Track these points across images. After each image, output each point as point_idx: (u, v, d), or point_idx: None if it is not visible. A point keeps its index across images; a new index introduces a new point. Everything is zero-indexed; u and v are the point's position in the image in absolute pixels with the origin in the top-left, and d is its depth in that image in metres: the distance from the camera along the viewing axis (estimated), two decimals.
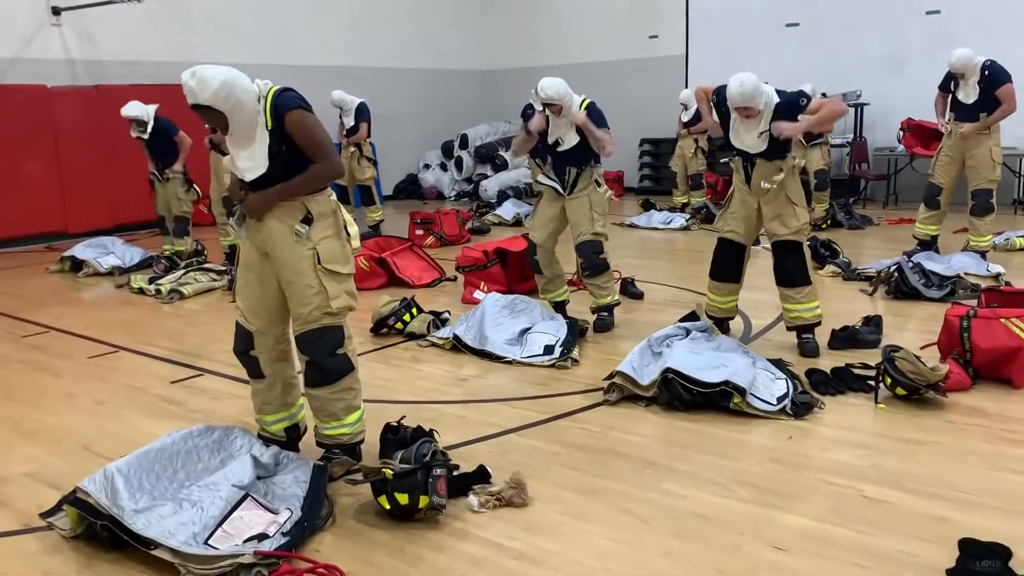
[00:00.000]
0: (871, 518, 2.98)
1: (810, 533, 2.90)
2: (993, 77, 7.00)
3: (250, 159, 3.25)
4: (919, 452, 3.56)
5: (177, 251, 8.36)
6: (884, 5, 11.83)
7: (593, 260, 5.50)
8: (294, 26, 13.01)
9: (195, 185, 8.33)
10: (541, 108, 5.36)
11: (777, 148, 4.74)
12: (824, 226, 9.61)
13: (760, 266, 6.09)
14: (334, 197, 3.39)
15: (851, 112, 11.69)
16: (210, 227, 9.19)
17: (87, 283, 8.13)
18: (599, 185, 5.50)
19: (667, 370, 4.04)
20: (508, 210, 11.41)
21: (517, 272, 7.05)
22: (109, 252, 8.54)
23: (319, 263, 3.30)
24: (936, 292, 6.07)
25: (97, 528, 2.90)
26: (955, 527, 2.89)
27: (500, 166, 14.63)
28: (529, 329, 5.24)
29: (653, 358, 4.26)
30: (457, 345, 5.29)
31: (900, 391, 4.06)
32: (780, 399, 4.00)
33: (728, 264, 5.11)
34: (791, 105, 4.71)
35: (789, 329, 5.03)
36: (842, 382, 4.32)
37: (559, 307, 5.82)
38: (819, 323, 4.95)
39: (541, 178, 5.57)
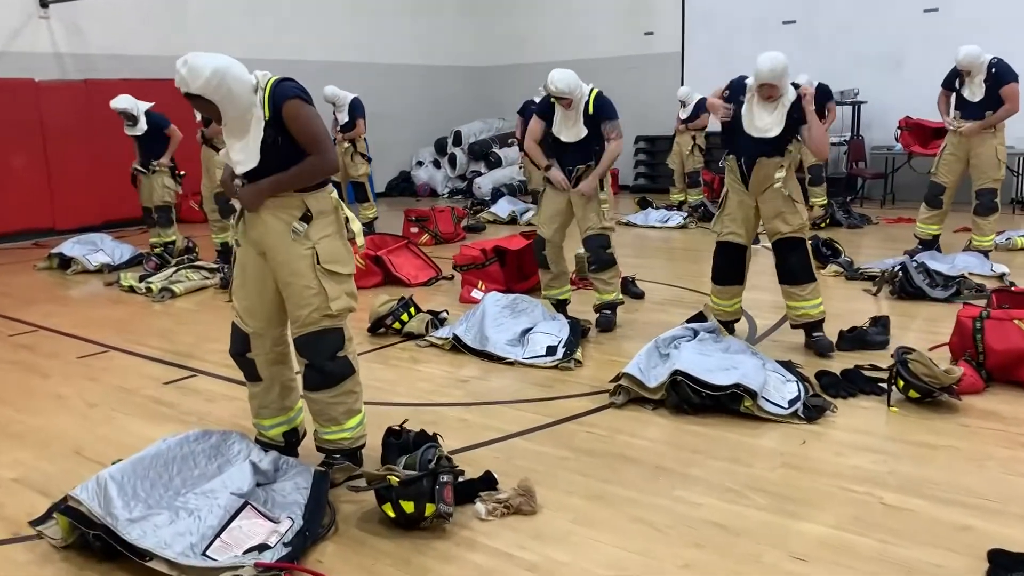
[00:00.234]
0: (892, 526, 2.89)
1: (830, 542, 2.80)
2: (999, 75, 6.92)
3: (244, 151, 3.13)
4: (936, 457, 3.47)
5: (166, 242, 8.25)
6: (882, 3, 11.76)
7: (600, 254, 5.41)
8: (287, 21, 12.85)
9: (179, 173, 8.16)
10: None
11: (778, 138, 4.64)
12: (823, 225, 9.54)
13: (759, 265, 6.00)
14: (335, 194, 3.27)
15: (848, 110, 11.64)
16: (201, 224, 9.03)
17: (75, 281, 7.97)
18: (602, 189, 5.41)
19: (676, 372, 3.94)
20: (503, 207, 11.29)
21: (515, 271, 6.95)
22: (98, 249, 8.38)
23: (318, 263, 3.18)
24: (941, 292, 6.00)
25: (90, 538, 2.77)
26: (979, 536, 2.80)
27: (494, 163, 14.51)
28: (531, 329, 5.14)
29: (660, 360, 4.16)
30: (457, 345, 5.18)
31: (913, 394, 3.97)
32: (791, 402, 3.90)
33: (729, 267, 5.01)
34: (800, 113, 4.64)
35: (795, 327, 4.95)
36: (853, 384, 4.23)
37: (560, 306, 5.72)
38: (824, 319, 4.86)
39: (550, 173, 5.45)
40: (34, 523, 3.04)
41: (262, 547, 2.72)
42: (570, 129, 5.31)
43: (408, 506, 2.90)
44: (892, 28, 11.68)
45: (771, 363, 4.24)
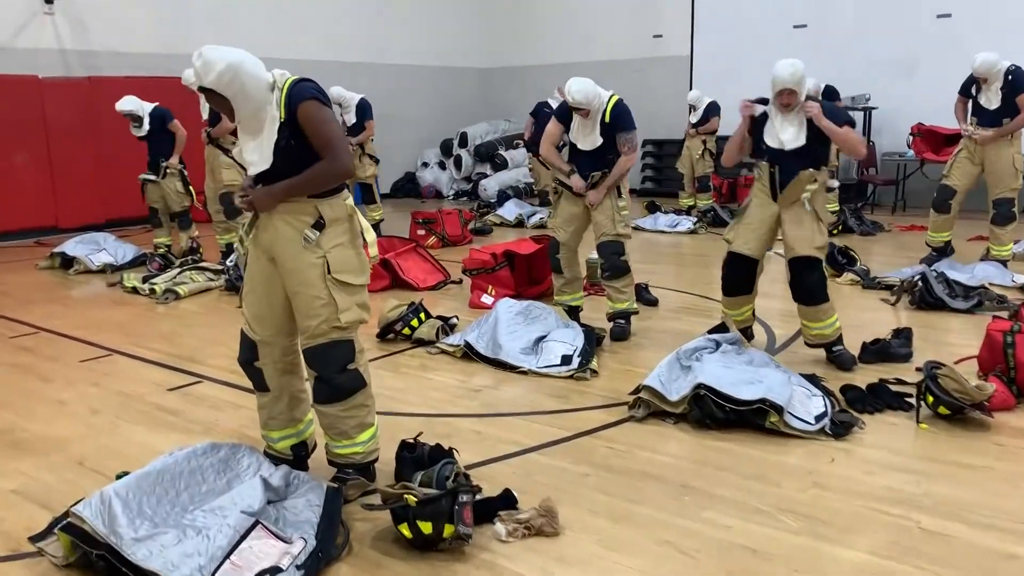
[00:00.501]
0: (933, 553, 2.76)
1: (869, 570, 2.68)
2: (1016, 83, 6.80)
3: (257, 151, 3.01)
4: (971, 478, 3.34)
5: (167, 244, 8.28)
6: (894, 8, 11.64)
7: (614, 261, 5.29)
8: (293, 20, 12.73)
9: (191, 187, 8.11)
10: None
11: (814, 149, 4.52)
12: (835, 232, 9.40)
13: (773, 272, 5.86)
14: (351, 201, 3.14)
15: (859, 116, 11.51)
16: (204, 224, 8.91)
17: (78, 281, 7.85)
18: (619, 195, 5.29)
19: (699, 386, 3.81)
20: (510, 210, 11.17)
21: (525, 275, 6.83)
22: (101, 249, 8.25)
23: (328, 272, 3.05)
24: (962, 303, 5.87)
25: (92, 558, 2.65)
26: None
27: (500, 165, 14.39)
28: (544, 337, 5.01)
29: (682, 372, 4.03)
30: (468, 353, 5.05)
31: (943, 410, 3.84)
32: (818, 418, 3.77)
33: (740, 278, 4.87)
34: (833, 114, 4.52)
35: (811, 347, 4.81)
36: (879, 399, 4.10)
37: (572, 313, 5.60)
38: (840, 336, 4.73)
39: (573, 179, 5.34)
40: (34, 539, 2.90)
41: (274, 570, 2.59)
42: (587, 137, 5.21)
43: (426, 527, 2.77)
44: (904, 33, 11.56)
45: (795, 377, 4.11)
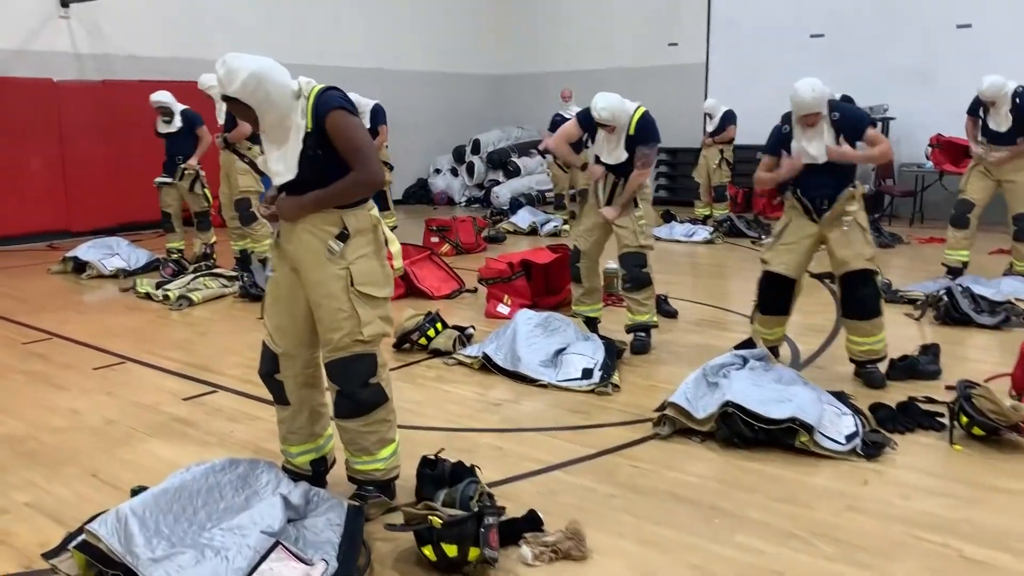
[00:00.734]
0: None
1: None
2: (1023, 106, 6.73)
3: (281, 161, 2.94)
4: (1012, 503, 3.24)
5: (179, 249, 8.30)
6: (914, 18, 11.53)
7: (636, 273, 5.21)
8: (306, 26, 12.70)
9: (206, 189, 8.09)
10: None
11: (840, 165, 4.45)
12: None
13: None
14: (375, 211, 3.07)
15: (877, 126, 11.39)
16: (218, 229, 8.86)
17: (90, 286, 7.79)
18: (636, 206, 5.21)
19: (727, 403, 3.71)
20: (524, 218, 11.08)
21: (542, 285, 6.75)
22: (114, 253, 8.19)
23: (352, 285, 2.97)
24: (988, 319, 5.76)
25: None
26: None
27: (512, 172, 14.31)
28: (564, 350, 4.92)
29: (709, 389, 3.94)
30: (487, 364, 4.97)
31: (977, 431, 3.74)
32: (849, 437, 3.67)
33: (778, 298, 4.78)
34: (855, 126, 4.46)
35: (854, 362, 4.71)
36: (910, 418, 4.00)
37: (590, 324, 5.51)
38: (886, 355, 4.63)
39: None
40: (47, 555, 2.83)
41: None
42: (611, 152, 5.14)
43: (451, 549, 2.68)
44: (923, 43, 11.45)
45: (825, 395, 4.01)
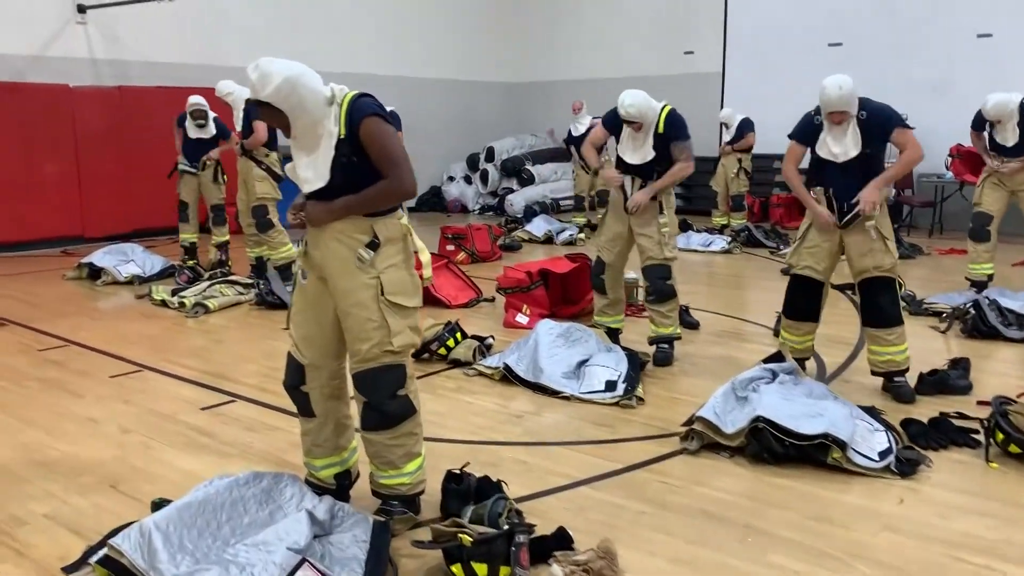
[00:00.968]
0: None
1: None
2: None
3: (312, 168, 2.88)
4: None
5: (192, 241, 8.40)
6: (933, 27, 11.45)
7: (660, 286, 5.13)
8: (322, 33, 12.68)
9: (224, 175, 8.31)
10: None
11: (868, 158, 4.38)
12: None
13: None
14: (405, 220, 3.01)
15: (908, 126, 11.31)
16: (235, 236, 8.83)
17: (105, 292, 7.76)
18: (661, 212, 5.14)
19: (757, 418, 3.63)
20: (539, 226, 11.02)
21: (560, 295, 6.68)
22: (129, 260, 8.16)
23: (382, 294, 2.92)
24: (1016, 332, 5.67)
25: None
26: None
27: (526, 180, 14.26)
28: (586, 361, 4.85)
29: (738, 403, 3.86)
30: (507, 375, 4.90)
31: (1014, 448, 3.65)
32: (882, 454, 3.58)
33: (805, 302, 4.70)
34: (882, 125, 4.39)
35: (876, 375, 4.62)
36: (943, 434, 3.91)
37: (612, 335, 5.45)
38: (908, 367, 4.54)
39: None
40: (68, 570, 2.78)
41: None
42: (637, 151, 5.07)
43: (481, 569, 2.62)
44: (943, 52, 11.36)
45: (856, 410, 3.92)
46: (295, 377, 3.12)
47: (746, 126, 10.42)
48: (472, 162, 14.79)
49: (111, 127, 10.39)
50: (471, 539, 2.62)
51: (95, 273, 8.06)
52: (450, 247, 9.12)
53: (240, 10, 11.73)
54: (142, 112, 10.42)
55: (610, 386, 4.58)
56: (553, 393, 4.66)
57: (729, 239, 10.09)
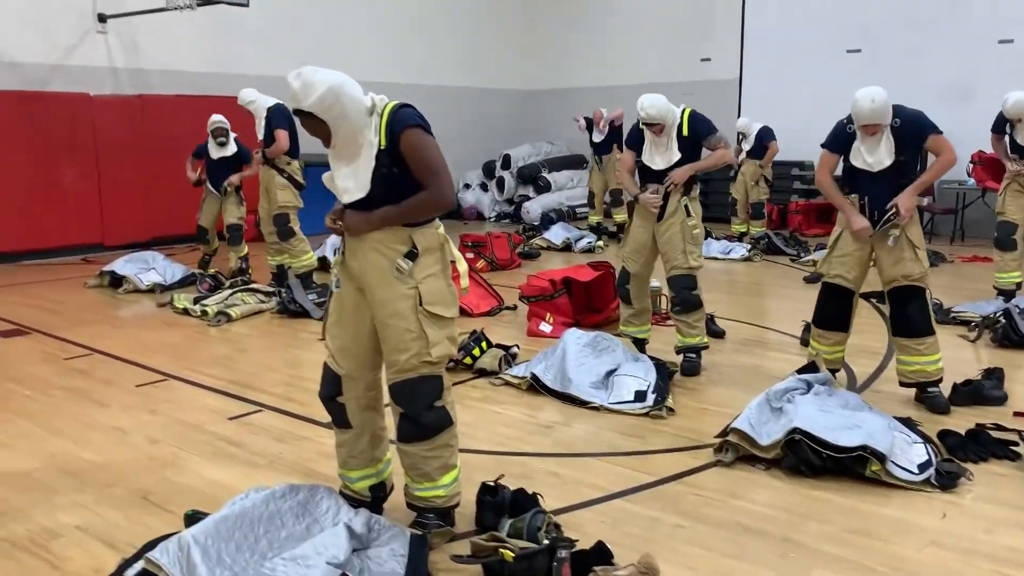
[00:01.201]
0: None
1: None
2: None
3: (352, 178, 2.86)
4: None
5: (210, 253, 8.52)
6: (954, 33, 11.38)
7: (686, 296, 5.09)
8: (339, 41, 12.70)
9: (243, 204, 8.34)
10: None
11: (903, 166, 4.34)
12: None
13: None
14: (442, 230, 2.99)
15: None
16: (256, 243, 8.85)
17: (127, 300, 7.77)
18: (688, 215, 5.10)
19: (794, 430, 3.58)
20: (557, 234, 11.00)
21: (583, 303, 6.64)
22: (150, 268, 8.17)
23: (420, 304, 2.89)
24: None
25: None
26: None
27: (543, 188, 14.24)
28: (615, 371, 4.81)
29: (773, 415, 3.81)
30: (534, 385, 4.86)
31: None
32: (922, 467, 3.53)
33: (835, 311, 4.66)
34: (917, 133, 4.35)
35: (905, 385, 4.57)
36: (982, 447, 3.85)
37: (639, 345, 5.40)
38: (941, 378, 4.48)
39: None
40: None
41: None
42: (662, 155, 5.04)
43: None
44: (963, 58, 11.29)
45: (893, 422, 3.87)
46: (331, 388, 3.09)
47: (766, 135, 10.33)
48: (488, 169, 14.78)
49: (131, 135, 10.43)
50: (513, 554, 2.58)
51: (116, 281, 8.08)
52: (469, 255, 9.10)
53: (259, 19, 11.65)
54: (162, 120, 10.46)
55: (639, 396, 4.53)
56: (581, 403, 4.62)
57: (749, 247, 10.03)
